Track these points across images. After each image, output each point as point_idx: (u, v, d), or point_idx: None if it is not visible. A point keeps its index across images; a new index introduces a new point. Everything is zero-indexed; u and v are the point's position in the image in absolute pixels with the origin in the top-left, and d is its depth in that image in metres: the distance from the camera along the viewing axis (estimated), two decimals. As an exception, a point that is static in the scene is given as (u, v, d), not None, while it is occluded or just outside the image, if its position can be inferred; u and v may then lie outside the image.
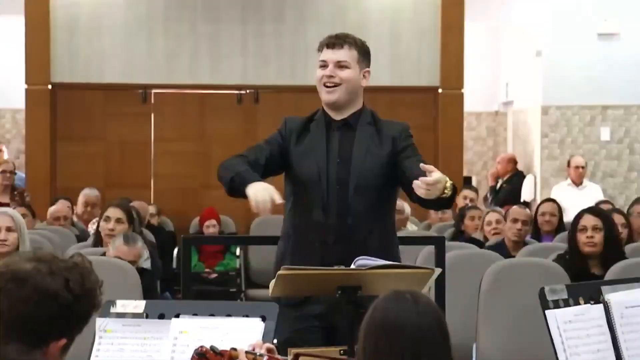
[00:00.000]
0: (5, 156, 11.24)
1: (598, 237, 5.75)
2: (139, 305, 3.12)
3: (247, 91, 11.12)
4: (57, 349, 2.35)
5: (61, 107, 11.01)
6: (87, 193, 9.23)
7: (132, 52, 11.02)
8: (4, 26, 13.49)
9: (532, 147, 12.56)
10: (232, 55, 11.09)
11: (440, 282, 4.26)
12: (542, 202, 8.52)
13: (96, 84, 11.01)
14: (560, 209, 8.25)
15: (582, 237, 5.76)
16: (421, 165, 3.77)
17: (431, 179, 3.69)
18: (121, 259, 5.75)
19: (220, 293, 9.37)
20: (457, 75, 11.16)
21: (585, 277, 5.43)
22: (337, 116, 4.16)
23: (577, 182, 11.43)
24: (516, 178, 12.12)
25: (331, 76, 4.11)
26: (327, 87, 4.11)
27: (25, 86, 10.99)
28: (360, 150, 4.10)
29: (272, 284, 3.53)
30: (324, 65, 4.15)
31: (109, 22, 10.98)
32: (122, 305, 3.11)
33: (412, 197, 3.96)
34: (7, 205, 8.67)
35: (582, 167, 11.46)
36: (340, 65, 4.12)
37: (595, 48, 12.01)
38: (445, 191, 3.76)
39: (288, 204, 4.16)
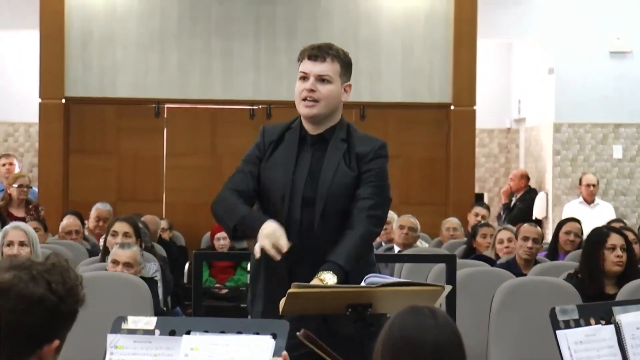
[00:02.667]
0: (17, 169, 11.25)
1: (624, 256, 5.69)
2: (150, 322, 3.12)
3: (260, 106, 11.15)
4: (51, 351, 2.36)
5: (74, 121, 11.06)
6: (100, 207, 9.25)
7: (145, 67, 11.07)
8: (19, 40, 13.55)
9: (544, 164, 12.55)
10: (244, 71, 11.12)
11: (451, 300, 4.26)
12: (567, 220, 8.40)
13: (109, 98, 11.05)
14: (582, 231, 8.20)
15: (611, 256, 5.63)
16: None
17: None
18: (117, 262, 5.78)
19: (231, 309, 9.37)
20: (469, 92, 11.17)
21: (601, 297, 5.40)
22: (313, 130, 3.92)
23: (589, 200, 11.40)
24: (529, 196, 12.09)
25: (312, 90, 3.86)
26: (307, 101, 3.88)
27: (39, 100, 11.04)
28: (330, 170, 3.86)
29: (282, 301, 3.53)
30: (304, 77, 3.90)
31: (122, 37, 11.03)
32: (134, 322, 3.11)
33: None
34: (22, 219, 8.69)
35: (594, 185, 11.43)
36: (321, 78, 3.87)
37: (607, 66, 12.01)
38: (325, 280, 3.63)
39: None
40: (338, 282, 3.62)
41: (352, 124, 4.06)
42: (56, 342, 2.37)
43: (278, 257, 3.63)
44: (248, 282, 9.71)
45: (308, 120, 3.93)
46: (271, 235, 3.63)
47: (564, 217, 9.92)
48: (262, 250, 3.67)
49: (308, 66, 3.91)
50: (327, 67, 3.89)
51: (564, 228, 8.11)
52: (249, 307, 4.07)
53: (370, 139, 3.98)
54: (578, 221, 8.39)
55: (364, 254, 3.88)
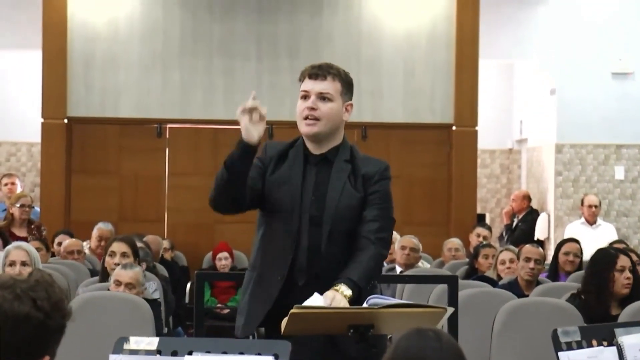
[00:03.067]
0: (19, 189, 11.27)
1: (632, 278, 5.68)
2: (152, 342, 3.11)
3: (262, 127, 11.15)
4: None
5: (76, 141, 11.08)
6: (101, 227, 9.25)
7: (147, 87, 11.09)
8: (22, 60, 13.59)
9: (546, 185, 12.55)
10: (246, 91, 11.01)
11: (453, 321, 4.26)
12: (566, 241, 8.43)
13: (111, 118, 11.07)
14: (582, 251, 8.20)
15: (620, 278, 5.60)
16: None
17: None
18: (120, 283, 5.78)
19: (232, 329, 9.34)
20: (471, 112, 11.19)
21: (606, 318, 5.38)
22: (315, 150, 3.93)
23: (591, 221, 11.39)
24: (531, 216, 12.09)
25: (313, 108, 3.87)
26: (308, 119, 3.90)
27: (42, 120, 11.06)
28: (336, 190, 3.88)
29: (284, 321, 3.52)
30: (305, 95, 3.91)
31: (124, 58, 11.06)
32: (136, 342, 3.11)
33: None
34: (24, 239, 8.69)
35: (596, 206, 11.42)
36: (322, 96, 3.89)
37: (609, 87, 12.03)
38: (345, 296, 3.63)
39: (258, 234, 3.99)
40: (352, 298, 3.62)
41: (355, 145, 4.07)
42: (46, 359, 2.36)
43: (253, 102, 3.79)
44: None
45: (310, 139, 3.93)
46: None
47: (565, 237, 9.91)
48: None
49: (309, 85, 3.92)
50: (328, 86, 3.90)
51: (563, 249, 8.12)
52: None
53: (374, 160, 3.98)
54: (577, 241, 8.39)
55: (376, 275, 3.89)
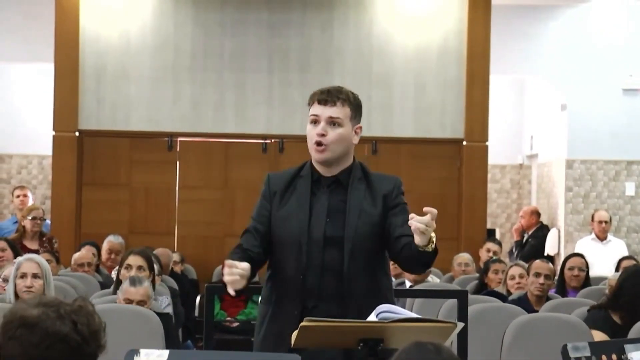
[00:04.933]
0: (30, 201, 11.30)
1: None
2: (162, 355, 3.12)
3: (272, 140, 11.18)
4: None
5: (87, 153, 11.11)
6: (112, 240, 9.27)
7: (158, 101, 11.12)
8: (33, 73, 13.66)
9: (557, 200, 12.54)
10: (257, 105, 11.17)
11: (462, 336, 4.25)
12: (570, 256, 8.43)
13: (122, 131, 11.10)
14: (587, 265, 8.20)
15: None
16: (425, 209, 3.67)
17: (428, 219, 3.62)
18: (130, 301, 5.76)
19: (241, 342, 9.35)
20: (482, 127, 11.18)
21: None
22: (326, 172, 3.99)
23: (601, 237, 11.37)
24: (541, 232, 12.06)
25: (323, 134, 3.92)
26: (319, 146, 3.95)
27: (53, 133, 11.09)
28: (354, 210, 3.93)
29: (294, 335, 3.53)
30: (315, 120, 3.96)
31: (135, 71, 11.10)
32: (146, 355, 3.12)
33: (392, 255, 3.93)
34: (36, 251, 8.71)
35: (606, 222, 11.39)
36: (332, 121, 3.93)
37: (620, 103, 12.03)
38: (431, 243, 3.67)
39: (269, 268, 4.05)
40: (434, 250, 3.68)
41: (363, 162, 4.12)
42: None
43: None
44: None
45: (321, 164, 3.99)
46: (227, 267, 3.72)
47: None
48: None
49: (318, 110, 3.97)
50: (337, 111, 3.95)
51: (568, 264, 8.12)
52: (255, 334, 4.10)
53: (388, 177, 4.08)
54: (581, 256, 8.39)
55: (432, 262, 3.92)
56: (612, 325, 5.44)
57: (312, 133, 3.97)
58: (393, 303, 3.97)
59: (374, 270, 3.99)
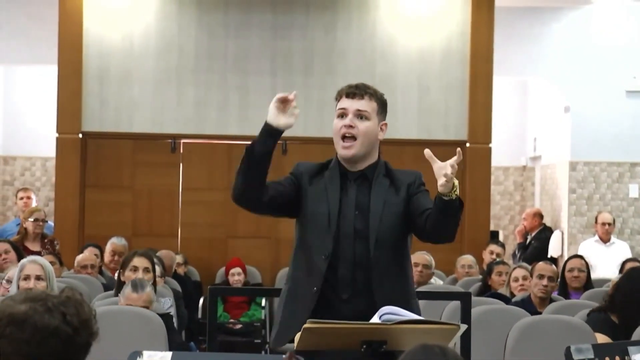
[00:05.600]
0: (34, 203, 11.31)
1: None
2: (165, 357, 3.12)
3: (276, 142, 11.16)
4: None
5: (91, 155, 11.11)
6: (115, 242, 9.28)
7: (161, 102, 11.13)
8: (36, 75, 13.67)
9: (560, 202, 12.53)
10: (260, 107, 11.14)
11: (466, 337, 4.25)
12: (570, 258, 8.46)
13: (126, 133, 11.10)
14: (587, 265, 8.21)
15: None
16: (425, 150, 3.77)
17: (454, 160, 3.74)
18: (132, 306, 5.75)
19: (244, 344, 9.36)
20: (485, 129, 11.17)
21: (630, 337, 5.31)
22: (352, 168, 4.07)
23: (605, 239, 11.36)
24: (544, 234, 12.06)
25: (350, 126, 4.00)
26: (346, 138, 4.01)
27: (56, 134, 11.10)
28: (379, 203, 4.00)
29: (297, 336, 3.53)
30: (343, 114, 4.05)
31: (139, 73, 11.10)
32: (149, 356, 3.12)
33: (418, 231, 3.98)
34: (38, 253, 8.72)
35: (610, 224, 11.39)
36: (360, 114, 4.02)
37: (623, 105, 12.02)
38: (454, 189, 3.74)
39: (294, 249, 4.09)
40: (459, 201, 3.77)
41: (388, 162, 4.20)
42: None
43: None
44: (262, 317, 9.74)
45: (346, 161, 4.06)
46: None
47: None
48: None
49: (347, 103, 4.05)
50: (365, 104, 4.04)
51: (567, 266, 8.13)
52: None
53: (409, 171, 4.19)
54: (581, 257, 8.39)
55: (458, 224, 3.97)
56: (612, 326, 5.43)
57: (338, 126, 4.05)
58: (415, 297, 4.11)
59: (400, 260, 4.05)
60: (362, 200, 4.02)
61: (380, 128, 4.08)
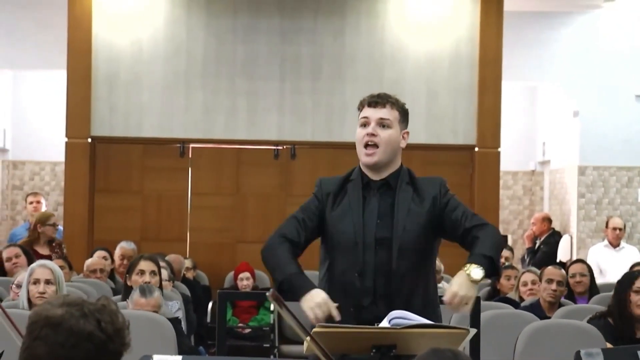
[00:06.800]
0: (44, 208, 11.33)
1: None
2: (175, 360, 3.13)
3: (284, 147, 11.18)
4: None
5: (100, 160, 11.14)
6: (124, 246, 9.30)
7: (170, 107, 11.14)
8: (46, 80, 13.70)
9: (569, 207, 12.51)
10: (269, 111, 11.18)
11: (475, 342, 4.25)
12: (572, 263, 8.47)
13: (135, 138, 11.12)
14: (590, 269, 8.19)
15: (636, 299, 5.53)
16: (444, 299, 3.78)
17: (447, 298, 3.73)
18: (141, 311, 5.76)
19: (253, 348, 9.36)
20: (494, 134, 11.17)
21: (631, 341, 5.34)
22: (375, 176, 4.11)
23: (615, 244, 11.33)
24: (553, 239, 12.04)
25: (373, 134, 4.07)
26: (368, 146, 4.07)
27: (66, 139, 11.12)
28: (402, 211, 4.04)
29: (305, 342, 3.53)
30: (365, 123, 4.11)
31: (148, 78, 11.12)
32: (159, 360, 3.13)
33: (466, 246, 4.02)
34: (48, 257, 8.74)
35: (621, 229, 11.36)
36: (382, 123, 4.09)
37: (632, 109, 12.01)
38: (474, 281, 3.75)
39: (323, 268, 4.11)
40: (485, 275, 3.77)
41: (410, 169, 4.23)
42: None
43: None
44: (271, 322, 9.74)
45: (369, 168, 4.11)
46: (323, 305, 3.73)
47: (588, 260, 9.89)
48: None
49: (369, 112, 4.12)
50: (387, 113, 4.11)
51: (569, 271, 8.12)
52: None
53: (432, 178, 4.21)
54: (582, 261, 8.39)
55: (502, 246, 4.04)
56: (612, 331, 5.44)
57: (361, 135, 4.11)
58: (438, 305, 4.11)
59: (423, 270, 4.09)
60: (385, 209, 4.06)
61: (402, 136, 4.15)
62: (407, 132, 4.16)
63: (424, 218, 4.05)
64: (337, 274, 4.05)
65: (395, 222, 4.02)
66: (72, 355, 2.34)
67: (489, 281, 8.81)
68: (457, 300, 3.70)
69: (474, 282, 3.76)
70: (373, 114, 4.10)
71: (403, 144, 4.16)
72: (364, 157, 4.10)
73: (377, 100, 4.12)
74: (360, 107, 4.16)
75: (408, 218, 4.03)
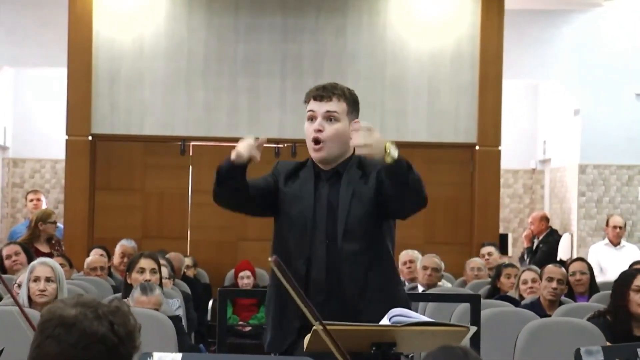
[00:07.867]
0: (44, 206, 11.33)
1: None
2: (175, 358, 3.13)
3: (285, 145, 11.18)
4: None
5: (101, 158, 11.14)
6: (125, 244, 9.30)
7: (171, 105, 11.14)
8: (47, 78, 13.70)
9: (569, 205, 12.51)
10: (270, 109, 11.18)
11: (475, 340, 4.25)
12: (572, 261, 8.47)
13: (136, 135, 11.12)
14: (590, 267, 8.20)
15: (635, 298, 5.52)
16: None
17: (363, 125, 3.66)
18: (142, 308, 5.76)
19: (254, 346, 9.36)
20: (495, 132, 11.17)
21: (629, 339, 5.34)
22: (326, 167, 4.04)
23: (615, 242, 11.33)
24: (552, 237, 12.03)
25: (319, 130, 3.97)
26: (316, 143, 3.99)
27: (66, 137, 11.12)
28: (347, 195, 3.95)
29: (307, 338, 3.53)
30: (312, 117, 4.02)
31: (149, 75, 11.12)
32: (159, 358, 3.13)
33: (388, 207, 3.90)
34: (49, 254, 8.74)
35: (621, 228, 11.35)
36: (329, 116, 3.98)
37: (633, 108, 12.01)
38: (387, 152, 3.65)
39: (274, 251, 4.05)
40: (398, 159, 3.69)
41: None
42: None
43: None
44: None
45: (319, 162, 4.04)
46: (248, 142, 4.01)
47: (589, 258, 9.89)
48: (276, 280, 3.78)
49: (315, 106, 4.03)
50: (334, 105, 4.00)
51: (570, 269, 8.12)
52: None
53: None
54: (582, 259, 8.39)
55: (420, 186, 3.88)
56: (611, 329, 5.44)
57: (309, 130, 4.03)
58: (396, 285, 4.02)
59: (376, 249, 3.97)
60: (332, 199, 3.98)
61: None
62: (357, 121, 3.90)
63: (369, 195, 3.93)
64: (285, 257, 3.91)
65: (341, 209, 3.93)
66: (83, 356, 2.34)
67: (489, 279, 8.81)
68: (363, 133, 3.65)
69: (387, 150, 3.67)
70: (319, 107, 4.01)
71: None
72: (312, 153, 4.02)
73: (323, 94, 4.01)
74: (307, 99, 4.07)
75: (353, 201, 3.93)
